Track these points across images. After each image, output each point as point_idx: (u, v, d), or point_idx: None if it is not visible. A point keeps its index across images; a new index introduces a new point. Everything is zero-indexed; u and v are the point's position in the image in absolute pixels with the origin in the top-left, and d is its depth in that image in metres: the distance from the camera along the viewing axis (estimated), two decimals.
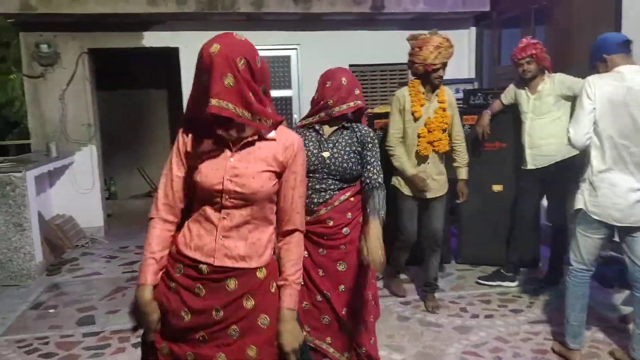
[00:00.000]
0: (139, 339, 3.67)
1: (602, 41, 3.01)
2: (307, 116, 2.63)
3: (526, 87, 4.06)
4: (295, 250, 1.75)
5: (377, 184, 2.45)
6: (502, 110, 4.33)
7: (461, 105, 4.54)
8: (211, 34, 1.64)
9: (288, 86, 6.63)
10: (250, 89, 1.57)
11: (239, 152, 1.66)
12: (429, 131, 3.67)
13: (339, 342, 2.53)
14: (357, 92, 2.55)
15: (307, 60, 6.42)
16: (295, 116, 6.59)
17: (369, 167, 2.51)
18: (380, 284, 4.39)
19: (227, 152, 1.66)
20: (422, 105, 3.69)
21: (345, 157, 2.50)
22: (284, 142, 1.69)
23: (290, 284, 1.71)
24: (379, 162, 2.54)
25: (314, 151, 2.50)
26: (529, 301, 4.03)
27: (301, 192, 1.75)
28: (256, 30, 5.87)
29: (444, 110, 3.70)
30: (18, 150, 8.79)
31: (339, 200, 2.51)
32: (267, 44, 6.16)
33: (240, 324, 1.66)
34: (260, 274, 1.69)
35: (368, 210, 2.37)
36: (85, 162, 6.26)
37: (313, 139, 2.54)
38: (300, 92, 6.56)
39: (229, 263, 1.65)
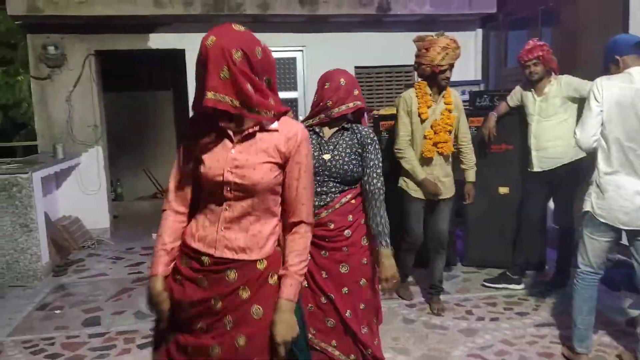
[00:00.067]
0: (145, 340, 3.68)
1: (614, 42, 2.99)
2: (307, 118, 2.63)
3: (533, 89, 4.04)
4: (299, 242, 1.72)
5: (378, 193, 2.48)
6: (509, 112, 4.31)
7: (467, 107, 4.52)
8: None
9: (294, 88, 6.64)
10: (249, 81, 1.56)
11: (240, 144, 1.66)
12: (435, 133, 3.67)
13: (344, 345, 2.52)
14: (356, 92, 2.54)
15: (313, 62, 6.42)
16: (300, 118, 6.59)
17: (368, 170, 2.51)
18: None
19: (229, 144, 1.66)
20: (428, 107, 3.68)
21: (346, 159, 2.49)
22: (286, 133, 1.67)
23: (291, 274, 1.67)
24: (380, 165, 2.54)
25: (315, 154, 2.50)
26: (535, 304, 4.01)
27: (306, 184, 1.71)
28: (262, 32, 5.81)
29: (450, 112, 3.70)
30: (25, 152, 8.84)
31: (340, 203, 2.50)
32: (272, 46, 6.03)
33: (234, 314, 1.66)
34: (261, 266, 1.67)
35: (373, 233, 2.45)
36: (92, 163, 6.29)
37: (313, 142, 2.53)
38: (306, 94, 6.57)
39: (229, 254, 1.65)
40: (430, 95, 3.70)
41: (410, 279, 4.45)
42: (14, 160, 5.62)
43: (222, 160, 1.64)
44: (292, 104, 6.62)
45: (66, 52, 6.08)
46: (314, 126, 2.57)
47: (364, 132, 2.56)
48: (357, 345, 2.54)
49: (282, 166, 1.69)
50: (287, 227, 1.75)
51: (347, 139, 2.54)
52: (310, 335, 2.39)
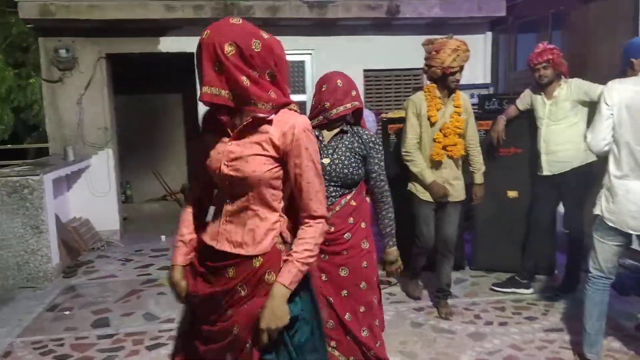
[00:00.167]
0: (153, 342, 3.70)
1: (629, 45, 2.98)
2: None
3: (542, 93, 4.03)
4: (307, 230, 1.67)
5: (386, 195, 2.62)
6: (518, 116, 4.29)
7: (476, 111, 4.51)
8: None
9: (302, 91, 6.65)
10: (244, 74, 1.55)
11: (238, 137, 1.66)
12: (444, 136, 3.66)
13: (344, 346, 2.53)
14: (354, 93, 2.54)
15: (322, 65, 6.41)
16: None
17: (373, 175, 2.56)
18: (395, 289, 4.39)
19: (227, 137, 1.68)
20: (438, 110, 3.67)
21: (346, 162, 2.50)
22: (281, 126, 1.63)
23: (292, 261, 1.63)
24: (384, 167, 2.60)
25: None
26: (544, 309, 3.99)
27: (309, 178, 1.65)
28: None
29: (459, 114, 3.69)
30: (37, 154, 8.93)
31: (340, 205, 2.51)
32: None
33: (233, 309, 1.68)
34: (256, 263, 1.65)
35: (382, 233, 2.67)
36: (102, 165, 6.33)
37: None
38: None
39: (227, 247, 1.67)
40: (440, 98, 3.69)
41: (420, 283, 4.44)
42: (26, 163, 5.69)
43: (221, 153, 1.66)
44: (301, 107, 6.63)
45: (77, 55, 6.14)
46: (313, 129, 2.58)
47: (365, 137, 2.57)
48: (358, 347, 2.55)
49: (279, 160, 1.65)
50: (300, 221, 1.71)
51: (347, 142, 2.54)
52: None
